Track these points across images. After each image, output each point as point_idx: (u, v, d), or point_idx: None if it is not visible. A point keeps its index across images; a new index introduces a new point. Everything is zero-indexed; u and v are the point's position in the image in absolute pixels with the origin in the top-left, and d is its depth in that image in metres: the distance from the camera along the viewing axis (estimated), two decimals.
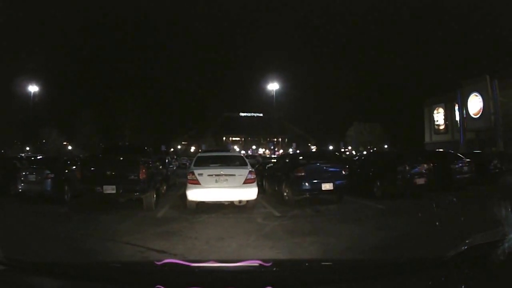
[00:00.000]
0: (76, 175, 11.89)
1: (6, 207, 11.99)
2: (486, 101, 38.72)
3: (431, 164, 13.62)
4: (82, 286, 1.90)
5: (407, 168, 12.93)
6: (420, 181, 12.88)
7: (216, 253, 6.20)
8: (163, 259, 2.11)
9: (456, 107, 45.60)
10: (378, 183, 13.04)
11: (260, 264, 2.06)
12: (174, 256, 5.69)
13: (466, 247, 1.86)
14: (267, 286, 1.75)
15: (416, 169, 13.13)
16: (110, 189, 10.13)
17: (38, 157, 18.80)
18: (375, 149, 69.95)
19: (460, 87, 42.66)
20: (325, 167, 12.30)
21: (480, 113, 39.90)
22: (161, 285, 1.74)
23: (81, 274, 1.97)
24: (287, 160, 14.45)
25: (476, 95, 40.25)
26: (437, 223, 6.92)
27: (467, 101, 41.62)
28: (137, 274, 2.02)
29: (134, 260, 3.16)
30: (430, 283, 1.87)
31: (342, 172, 12.06)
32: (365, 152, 59.05)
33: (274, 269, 2.12)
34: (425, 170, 13.22)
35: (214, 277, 1.95)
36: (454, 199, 10.80)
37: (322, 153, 23.69)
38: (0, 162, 16.36)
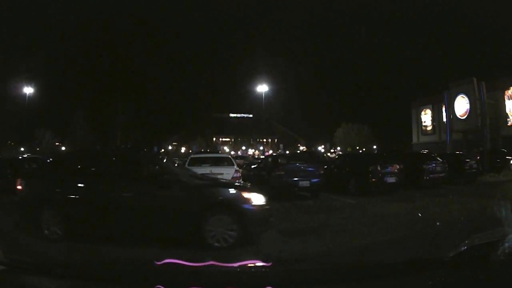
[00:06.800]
0: None
1: None
2: (473, 102, 39.16)
3: (403, 164, 14.54)
4: (82, 286, 1.89)
5: (378, 168, 13.95)
6: (391, 179, 13.99)
7: None
8: (163, 259, 2.10)
9: (443, 109, 46.08)
10: (353, 182, 14.09)
11: (260, 264, 2.06)
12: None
13: (466, 247, 1.87)
14: (267, 286, 1.76)
15: (388, 169, 14.12)
16: None
17: (44, 158, 19.72)
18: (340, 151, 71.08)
19: (447, 88, 43.12)
20: (303, 167, 13.64)
21: (467, 114, 40.37)
22: (161, 285, 1.74)
23: (81, 274, 1.95)
24: (269, 161, 16.25)
25: (463, 97, 40.66)
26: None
27: (453, 103, 42.06)
28: (137, 274, 2.00)
29: (134, 260, 3.14)
30: (430, 283, 1.88)
31: (317, 172, 13.42)
32: (341, 153, 59.71)
33: (274, 269, 2.12)
34: (396, 170, 14.24)
35: (214, 277, 1.95)
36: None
37: (308, 154, 24.97)
38: (10, 163, 17.15)
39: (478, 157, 20.77)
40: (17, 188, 7.33)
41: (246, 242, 6.23)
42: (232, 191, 6.74)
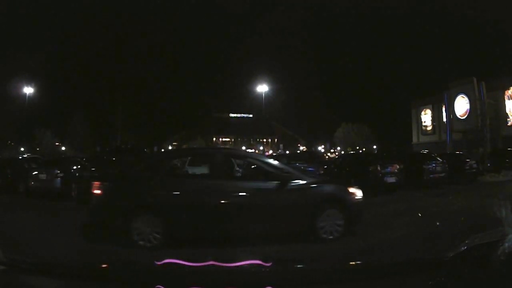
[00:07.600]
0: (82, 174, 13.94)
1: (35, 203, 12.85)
2: (473, 102, 39.19)
3: (403, 164, 14.64)
4: (82, 286, 1.89)
5: (378, 168, 14.08)
6: (391, 179, 14.10)
7: None
8: (163, 259, 2.10)
9: (443, 109, 46.10)
10: (353, 182, 13.84)
11: (260, 264, 2.06)
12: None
13: (466, 247, 1.87)
14: (267, 286, 1.75)
15: (388, 169, 14.22)
16: None
17: (45, 158, 20.22)
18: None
19: (447, 88, 43.14)
20: (303, 167, 13.97)
21: (467, 114, 40.40)
22: (161, 285, 1.73)
23: (81, 274, 1.95)
24: None
25: (463, 97, 40.72)
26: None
27: (453, 103, 42.09)
28: (137, 274, 2.01)
29: (134, 260, 3.14)
30: (430, 283, 1.88)
31: (317, 172, 13.85)
32: (343, 152, 59.87)
33: (274, 269, 2.12)
34: (396, 170, 14.33)
35: (214, 277, 1.95)
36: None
37: (308, 154, 25.28)
38: (10, 163, 17.22)
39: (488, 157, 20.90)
40: (94, 193, 6.51)
41: (349, 233, 6.60)
42: (340, 186, 7.19)
